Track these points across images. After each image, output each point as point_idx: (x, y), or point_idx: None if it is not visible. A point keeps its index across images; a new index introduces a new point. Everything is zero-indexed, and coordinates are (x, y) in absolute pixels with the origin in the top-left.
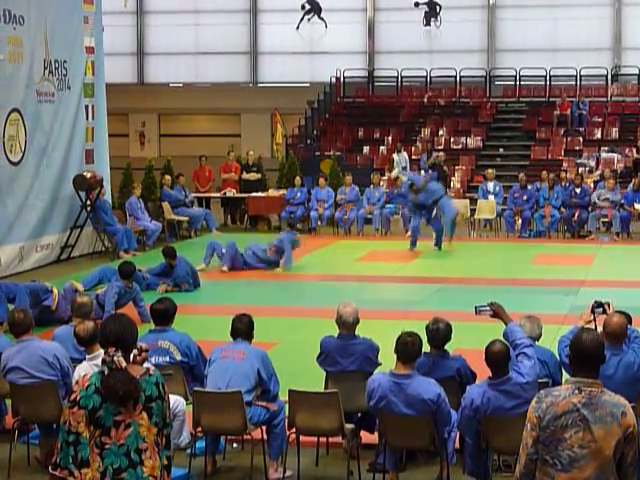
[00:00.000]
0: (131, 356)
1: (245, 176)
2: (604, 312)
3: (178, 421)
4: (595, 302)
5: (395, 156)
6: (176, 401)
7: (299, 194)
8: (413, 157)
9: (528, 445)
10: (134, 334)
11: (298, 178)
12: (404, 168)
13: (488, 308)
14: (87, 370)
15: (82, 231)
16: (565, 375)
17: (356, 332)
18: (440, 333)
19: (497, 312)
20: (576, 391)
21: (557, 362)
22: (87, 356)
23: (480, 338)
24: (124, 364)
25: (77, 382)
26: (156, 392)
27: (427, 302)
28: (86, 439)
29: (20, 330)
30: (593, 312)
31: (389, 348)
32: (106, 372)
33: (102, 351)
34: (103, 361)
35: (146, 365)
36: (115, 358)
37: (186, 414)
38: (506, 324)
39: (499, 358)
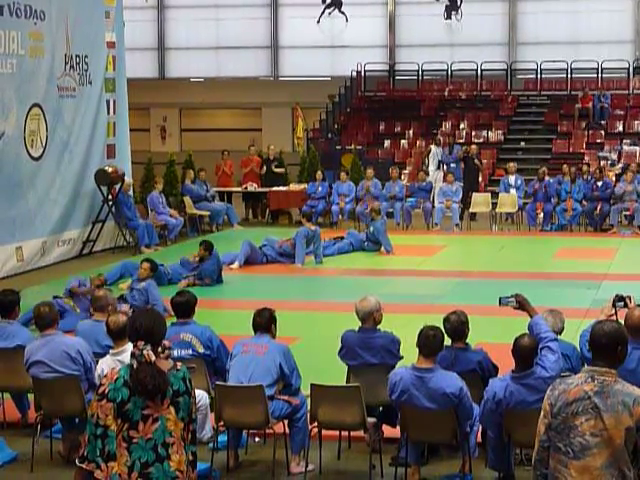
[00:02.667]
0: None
1: (270, 169)
2: (625, 306)
3: (201, 415)
4: (616, 296)
5: (433, 148)
6: (198, 395)
7: (320, 188)
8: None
9: (540, 432)
10: (163, 328)
11: (319, 172)
12: (439, 162)
13: (513, 299)
14: (110, 365)
15: (104, 226)
16: None
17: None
18: (452, 325)
19: (522, 304)
20: (589, 379)
21: (579, 355)
22: (111, 351)
23: (502, 332)
24: (153, 358)
25: (106, 375)
26: (183, 387)
27: (448, 296)
28: (114, 432)
29: (44, 324)
30: (614, 306)
31: (411, 342)
32: (135, 365)
33: (128, 347)
34: (132, 354)
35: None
36: (145, 352)
37: (208, 408)
38: (531, 317)
39: (527, 352)
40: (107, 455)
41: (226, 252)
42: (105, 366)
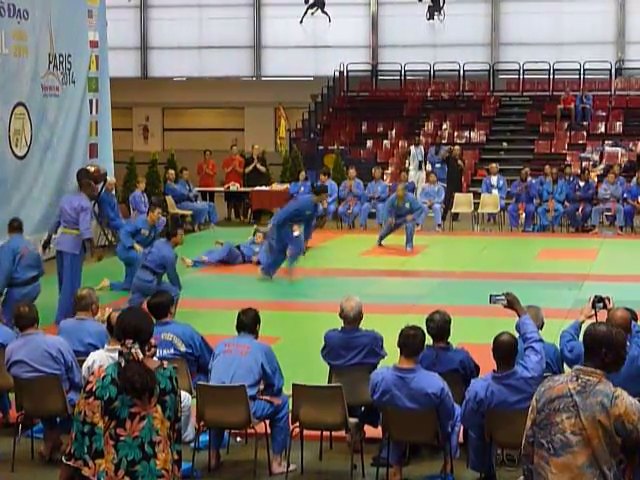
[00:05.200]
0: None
1: (248, 169)
2: (605, 307)
3: (183, 416)
4: (595, 297)
5: (412, 149)
6: (182, 396)
7: (303, 188)
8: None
9: (527, 427)
10: (150, 327)
11: (303, 173)
12: (420, 162)
13: (503, 297)
14: (101, 358)
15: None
16: (567, 369)
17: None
18: (436, 324)
19: (512, 303)
20: (574, 378)
21: (559, 356)
22: (107, 346)
23: (483, 332)
24: (141, 356)
25: (93, 373)
26: (170, 386)
27: (431, 296)
28: (101, 430)
29: (25, 324)
30: (594, 307)
31: (393, 342)
32: (123, 364)
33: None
34: (120, 353)
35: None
36: (133, 350)
37: (191, 409)
38: (520, 316)
39: (506, 349)
40: (94, 452)
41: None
42: (97, 358)
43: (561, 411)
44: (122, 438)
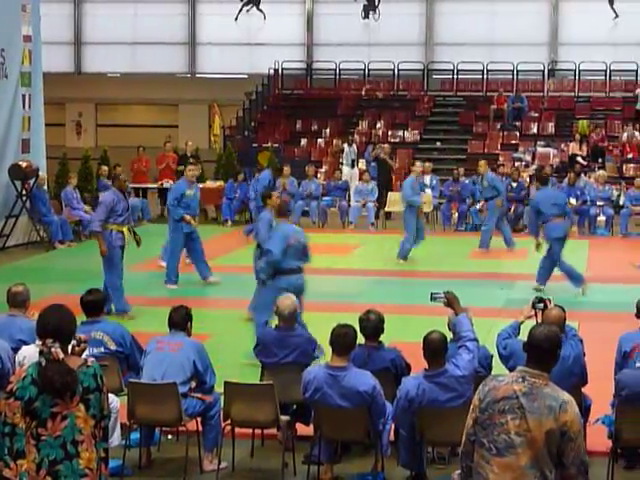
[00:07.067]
0: (70, 347)
1: (181, 168)
2: (545, 307)
3: (110, 420)
4: (536, 297)
5: (346, 147)
6: (109, 398)
7: (239, 191)
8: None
9: (468, 426)
10: (72, 325)
11: (242, 175)
12: (353, 161)
13: (443, 296)
14: (32, 355)
15: (17, 221)
16: (503, 369)
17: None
18: (371, 324)
19: (451, 301)
20: (520, 379)
21: (489, 356)
22: (38, 342)
23: (415, 331)
24: (62, 355)
25: (14, 373)
26: (94, 384)
27: (364, 295)
28: (22, 430)
29: None
30: (534, 307)
31: (326, 341)
32: (43, 363)
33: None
34: (40, 352)
35: (85, 356)
36: (53, 349)
37: (119, 412)
38: (456, 314)
39: (436, 347)
40: (16, 453)
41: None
42: (28, 354)
43: (506, 412)
44: (43, 438)
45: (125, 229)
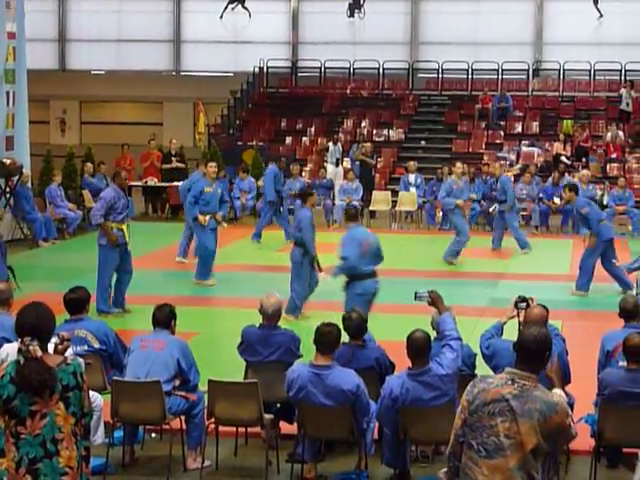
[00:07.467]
0: (51, 345)
1: (165, 167)
2: (528, 306)
3: (94, 418)
4: (519, 297)
5: (331, 146)
6: (92, 396)
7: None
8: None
9: (457, 427)
10: (51, 323)
11: (223, 172)
12: (337, 159)
13: (427, 295)
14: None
15: (1, 218)
16: (487, 369)
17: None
18: (354, 323)
19: (435, 300)
20: (509, 382)
21: (472, 355)
22: None
23: (399, 329)
24: (39, 353)
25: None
26: (74, 381)
27: None
28: (1, 429)
29: None
30: (517, 306)
31: (310, 339)
32: (21, 362)
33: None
34: (19, 350)
35: (67, 354)
36: (30, 347)
37: (102, 410)
38: (440, 313)
39: (420, 346)
40: None
41: None
42: (11, 351)
43: (496, 415)
44: (23, 436)
45: (125, 227)
